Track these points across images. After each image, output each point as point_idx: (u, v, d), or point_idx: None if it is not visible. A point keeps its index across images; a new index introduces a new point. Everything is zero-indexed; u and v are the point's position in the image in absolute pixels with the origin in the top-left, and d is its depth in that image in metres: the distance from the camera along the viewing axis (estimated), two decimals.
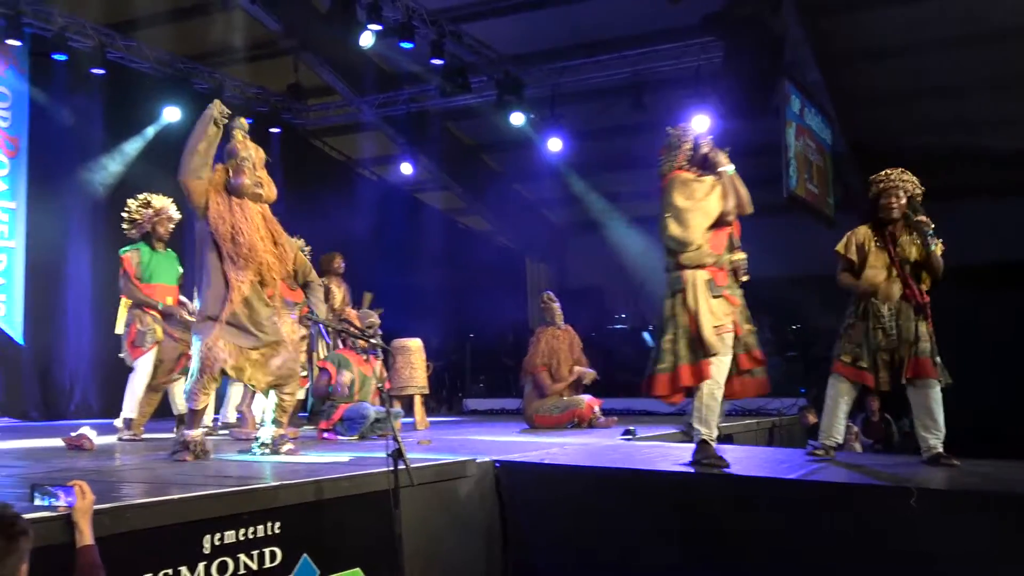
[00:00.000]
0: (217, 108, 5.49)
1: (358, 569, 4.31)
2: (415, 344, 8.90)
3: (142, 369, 7.13)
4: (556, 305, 9.16)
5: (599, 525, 5.09)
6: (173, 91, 11.30)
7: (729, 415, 9.43)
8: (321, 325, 6.63)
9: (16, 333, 10.20)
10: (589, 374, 8.93)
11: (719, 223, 5.11)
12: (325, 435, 7.36)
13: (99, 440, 6.47)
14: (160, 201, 7.28)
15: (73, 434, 6.36)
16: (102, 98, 10.79)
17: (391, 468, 4.05)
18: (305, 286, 6.05)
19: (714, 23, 9.91)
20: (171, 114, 11.20)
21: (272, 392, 5.70)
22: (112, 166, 10.99)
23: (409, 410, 8.72)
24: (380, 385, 7.66)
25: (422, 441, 6.93)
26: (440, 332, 13.59)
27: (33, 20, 10.16)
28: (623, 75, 11.67)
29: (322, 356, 8.32)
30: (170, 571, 3.51)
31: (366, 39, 10.41)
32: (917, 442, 5.30)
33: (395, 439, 4.06)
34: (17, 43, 9.97)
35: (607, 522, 5.06)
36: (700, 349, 4.99)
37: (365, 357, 7.69)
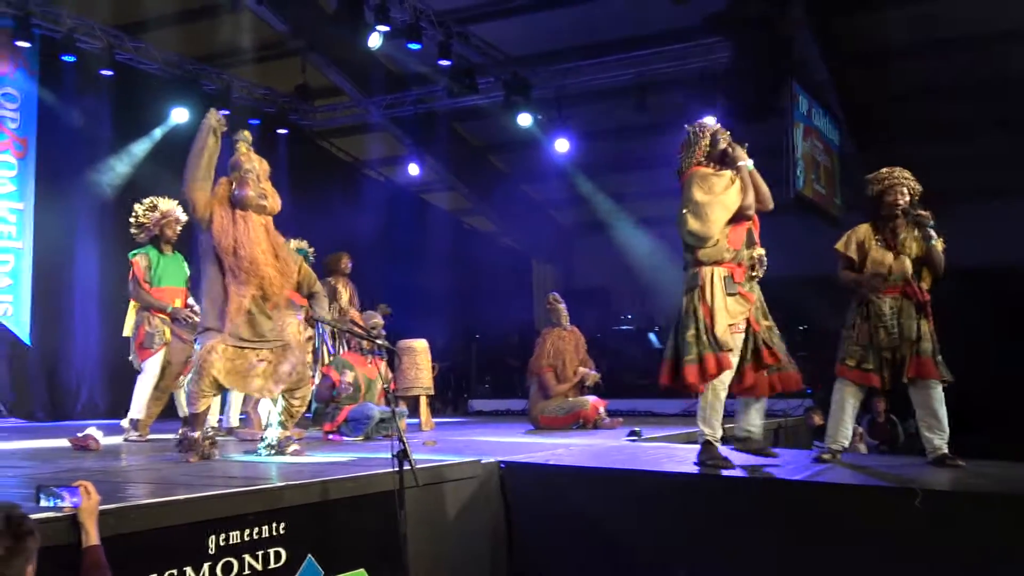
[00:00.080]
0: (214, 117, 5.50)
1: (362, 570, 4.31)
2: (421, 345, 8.91)
3: (150, 370, 7.16)
4: (562, 306, 9.16)
5: (604, 526, 5.08)
6: (181, 92, 11.33)
7: (733, 416, 9.42)
8: (323, 331, 6.66)
9: (23, 333, 10.24)
10: (592, 376, 8.92)
11: (738, 218, 5.10)
12: (330, 436, 7.38)
13: (105, 441, 6.49)
14: (167, 204, 7.31)
15: (79, 434, 6.38)
16: (110, 99, 10.82)
17: (396, 469, 4.06)
18: (310, 297, 6.05)
19: (721, 24, 9.91)
20: (179, 115, 11.23)
21: (281, 397, 5.70)
22: (120, 167, 11.03)
23: (414, 411, 8.72)
24: (386, 386, 7.66)
25: (427, 442, 6.93)
26: (446, 333, 13.61)
27: (42, 21, 10.20)
28: (629, 76, 11.66)
29: (326, 361, 8.33)
30: (175, 571, 3.52)
31: (374, 40, 10.43)
32: (922, 443, 5.28)
33: (400, 440, 4.07)
34: (26, 44, 10.01)
35: (612, 523, 5.05)
36: (718, 343, 4.98)
37: (368, 360, 7.69)
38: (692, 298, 5.05)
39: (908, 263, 5.28)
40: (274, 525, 3.92)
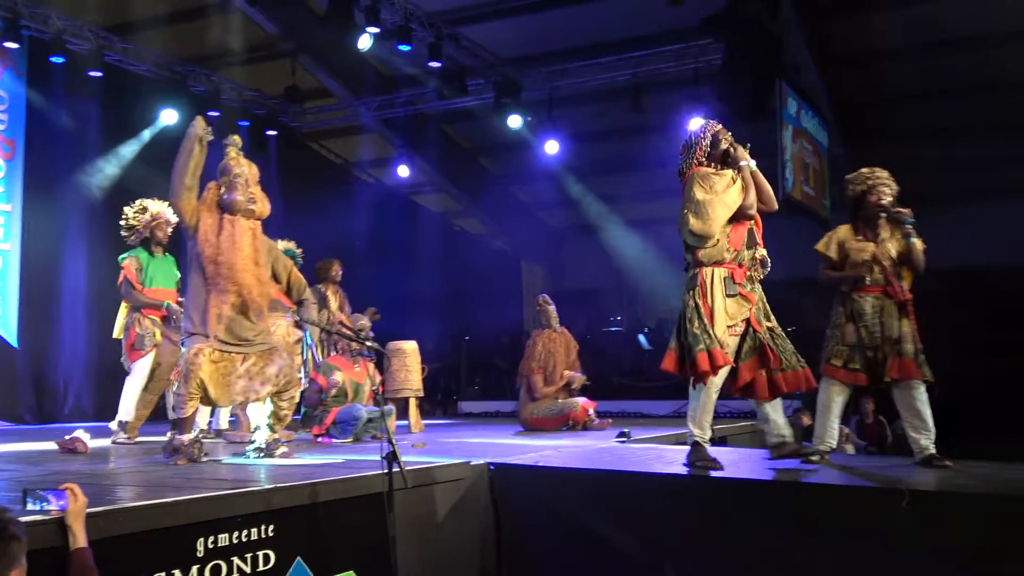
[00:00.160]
0: (200, 126, 5.49)
1: (352, 572, 4.31)
2: (410, 347, 8.90)
3: (139, 372, 7.15)
4: (552, 308, 9.16)
5: (593, 528, 5.08)
6: (170, 94, 11.31)
7: (723, 417, 9.45)
8: (311, 340, 6.66)
9: (10, 336, 10.20)
10: (579, 379, 8.92)
11: (739, 218, 5.07)
12: (319, 439, 7.36)
13: (93, 443, 6.47)
14: (157, 206, 7.30)
15: (67, 437, 6.36)
16: (99, 101, 10.79)
17: (385, 471, 4.06)
18: (299, 304, 6.04)
19: (713, 25, 9.94)
20: (168, 117, 11.22)
21: (269, 400, 5.70)
22: (109, 169, 11.00)
23: (404, 413, 8.71)
24: (376, 388, 7.65)
25: (417, 444, 6.92)
26: (436, 335, 13.60)
27: (31, 22, 10.17)
28: (620, 77, 11.68)
29: (312, 366, 8.32)
30: (163, 574, 3.51)
31: (364, 42, 10.43)
32: (909, 444, 5.30)
33: (390, 442, 4.07)
34: (15, 45, 9.98)
35: (601, 525, 5.05)
36: (718, 340, 4.97)
37: (355, 363, 7.68)
38: (693, 295, 5.03)
39: (891, 248, 5.31)
40: (263, 527, 3.91)
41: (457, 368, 14.46)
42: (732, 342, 5.08)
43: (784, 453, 5.24)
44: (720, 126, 5.32)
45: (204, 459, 5.46)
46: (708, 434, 5.19)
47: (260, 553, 3.88)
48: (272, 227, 5.98)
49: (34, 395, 10.30)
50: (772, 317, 5.17)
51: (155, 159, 10.48)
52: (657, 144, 11.92)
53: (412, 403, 8.77)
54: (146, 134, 11.34)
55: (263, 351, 5.57)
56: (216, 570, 3.69)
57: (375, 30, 10.17)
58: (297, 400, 6.07)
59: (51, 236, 10.49)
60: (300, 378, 7.92)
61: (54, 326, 10.48)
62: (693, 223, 5.03)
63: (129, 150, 11.24)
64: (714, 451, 5.23)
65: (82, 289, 10.52)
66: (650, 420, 10.37)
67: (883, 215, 5.39)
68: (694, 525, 4.78)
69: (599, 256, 15.03)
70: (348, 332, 6.72)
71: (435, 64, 11.13)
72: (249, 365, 5.52)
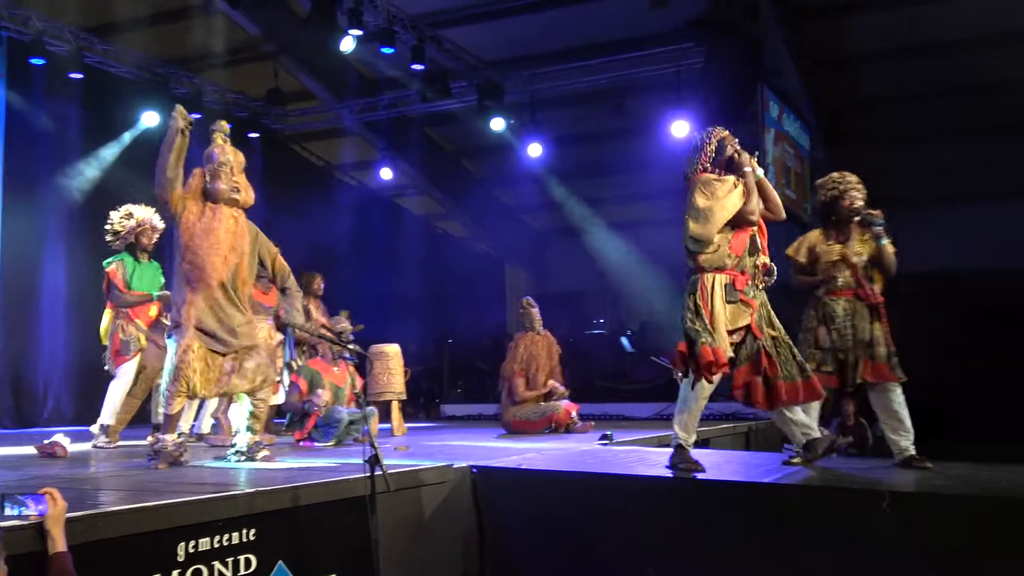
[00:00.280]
0: (181, 116, 5.48)
1: (334, 575, 4.30)
2: (393, 350, 8.89)
3: (123, 376, 7.13)
4: (535, 310, 9.17)
5: (576, 530, 5.09)
6: (152, 96, 11.25)
7: (705, 419, 9.47)
8: (289, 339, 6.63)
9: None
10: (560, 391, 8.92)
11: (741, 224, 5.03)
12: (301, 444, 7.34)
13: (73, 447, 6.43)
14: (143, 212, 7.30)
15: (46, 441, 6.32)
16: (80, 102, 10.71)
17: (368, 474, 4.05)
18: (283, 291, 6.04)
19: (694, 29, 9.98)
20: (150, 119, 11.16)
21: (246, 398, 5.69)
22: (89, 171, 10.93)
23: (386, 416, 8.70)
24: (357, 392, 7.64)
25: (399, 447, 6.91)
26: (418, 337, 13.58)
27: (10, 23, 10.09)
28: (603, 80, 11.72)
29: (294, 368, 8.29)
30: None
31: (346, 44, 10.41)
32: (889, 446, 5.34)
33: (372, 445, 4.06)
34: None
35: (584, 527, 5.06)
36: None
37: (335, 366, 7.66)
38: (693, 298, 4.99)
39: (861, 250, 5.36)
40: (244, 531, 3.90)
41: (440, 371, 14.44)
42: (729, 348, 5.01)
43: (818, 454, 5.00)
44: (727, 132, 5.28)
45: (186, 463, 5.43)
46: (693, 438, 5.19)
47: (242, 557, 3.87)
48: None
49: (13, 399, 10.22)
50: (777, 325, 5.08)
51: (136, 161, 10.42)
52: (640, 147, 12.00)
53: (395, 406, 8.76)
54: (127, 136, 11.28)
55: (243, 348, 5.56)
56: (197, 574, 3.68)
57: (358, 32, 10.15)
58: (270, 399, 6.05)
59: (31, 239, 10.40)
60: (279, 381, 7.90)
61: (33, 329, 10.40)
62: (692, 227, 4.99)
63: (110, 152, 11.18)
64: (696, 453, 5.25)
65: (62, 292, 10.45)
66: (633, 422, 10.39)
67: (855, 219, 5.44)
68: (677, 527, 4.79)
69: (582, 259, 15.05)
70: (330, 336, 6.69)
71: (418, 67, 11.12)
72: (230, 362, 5.53)
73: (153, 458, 5.36)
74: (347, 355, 7.43)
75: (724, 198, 5.00)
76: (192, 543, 3.68)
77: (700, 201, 5.01)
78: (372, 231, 14.14)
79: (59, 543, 3.15)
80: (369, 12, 10.28)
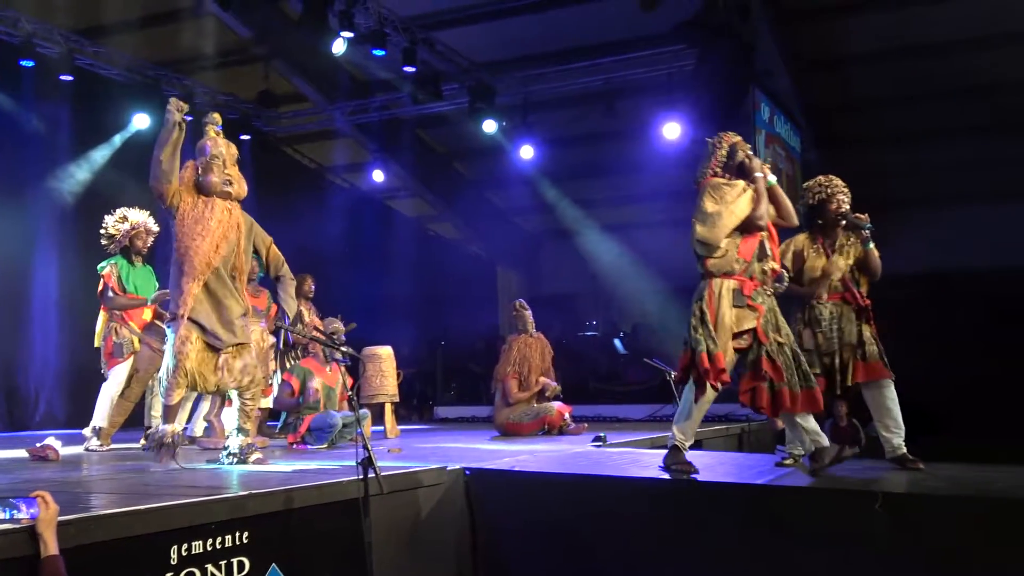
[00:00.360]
0: (176, 108, 5.50)
1: None
2: (386, 352, 8.88)
3: (115, 378, 7.15)
4: (528, 313, 9.17)
5: (570, 532, 5.09)
6: (143, 98, 11.20)
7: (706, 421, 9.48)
8: (278, 336, 6.64)
9: None
10: (552, 387, 8.93)
11: (750, 230, 5.02)
12: (295, 447, 7.33)
13: (65, 450, 6.41)
14: (137, 216, 7.33)
15: (38, 445, 6.30)
16: (70, 105, 10.66)
17: (361, 476, 4.05)
18: (277, 279, 6.07)
19: (686, 31, 9.99)
20: (140, 121, 11.12)
21: (236, 398, 5.71)
22: (80, 174, 10.89)
23: (379, 418, 8.69)
24: (351, 392, 7.63)
25: (392, 449, 6.91)
26: (411, 340, 13.58)
27: (0, 26, 10.05)
28: (595, 82, 11.72)
29: (287, 367, 8.29)
30: None
31: (338, 46, 10.39)
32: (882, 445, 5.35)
33: (365, 447, 4.05)
34: None
35: (578, 529, 5.06)
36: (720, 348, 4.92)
37: (328, 368, 7.66)
38: (701, 305, 4.98)
39: (841, 262, 5.37)
40: (237, 534, 3.89)
41: (433, 373, 14.44)
42: (734, 356, 4.99)
43: (824, 463, 4.92)
44: (738, 138, 5.28)
45: (182, 449, 5.46)
46: (690, 441, 5.17)
47: (235, 560, 3.86)
48: None
49: (4, 402, 10.18)
50: (785, 332, 5.04)
51: (127, 164, 10.41)
52: (632, 149, 12.01)
53: (388, 408, 8.75)
54: (117, 139, 11.23)
55: (236, 344, 5.58)
56: None
57: (349, 35, 10.14)
58: (259, 400, 6.07)
59: (21, 242, 10.35)
60: (271, 384, 7.90)
61: (25, 332, 10.35)
62: (699, 231, 4.98)
63: (101, 155, 11.13)
64: (689, 455, 5.25)
65: (53, 295, 10.41)
66: (626, 424, 10.41)
67: (842, 222, 5.45)
68: (670, 529, 4.79)
69: (575, 261, 15.06)
70: (323, 337, 6.69)
71: (409, 69, 11.11)
72: (221, 359, 5.55)
73: (157, 448, 5.38)
74: (339, 357, 7.43)
75: (733, 203, 4.98)
76: (185, 546, 3.67)
77: (709, 205, 5.00)
78: (364, 233, 14.13)
79: (51, 547, 3.14)
80: (360, 14, 10.27)
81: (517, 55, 11.82)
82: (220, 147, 5.69)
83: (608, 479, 5.37)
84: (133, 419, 7.59)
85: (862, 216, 5.43)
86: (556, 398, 9.03)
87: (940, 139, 12.07)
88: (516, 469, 5.65)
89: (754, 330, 4.95)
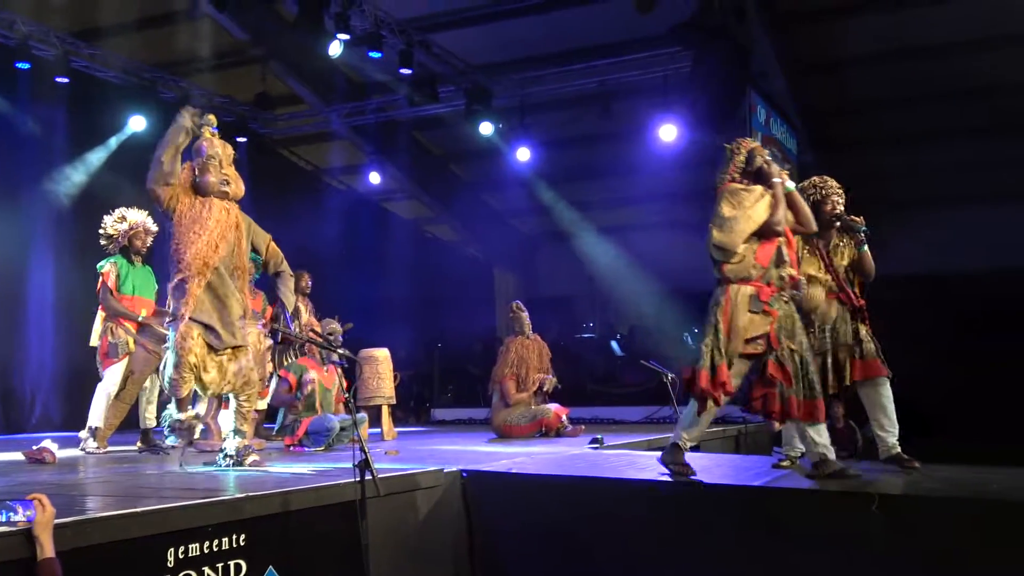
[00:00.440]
0: (190, 116, 5.53)
1: None
2: (382, 354, 8.88)
3: (109, 379, 7.14)
4: (525, 314, 9.18)
5: (567, 534, 5.09)
6: (139, 100, 11.19)
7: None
8: (287, 315, 6.63)
9: None
10: (550, 381, 8.94)
11: (768, 235, 4.99)
12: (292, 449, 7.33)
13: (61, 453, 6.40)
14: (136, 216, 7.35)
15: (34, 447, 6.30)
16: (66, 107, 10.65)
17: (358, 479, 4.04)
18: (277, 276, 6.09)
19: (682, 33, 9.98)
20: (137, 123, 11.10)
21: (232, 400, 5.71)
22: (76, 176, 10.87)
23: (376, 420, 8.68)
24: (348, 395, 7.63)
25: (389, 451, 6.91)
26: (408, 342, 13.56)
27: None
28: (591, 84, 11.72)
29: (284, 364, 8.30)
30: None
31: (334, 48, 10.38)
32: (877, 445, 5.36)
33: (362, 450, 4.05)
34: None
35: (575, 531, 5.06)
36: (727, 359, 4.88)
37: (325, 368, 7.66)
38: (716, 312, 4.96)
39: (836, 262, 5.39)
40: (234, 536, 3.88)
41: (430, 375, 14.43)
42: (745, 364, 4.94)
43: (825, 472, 4.90)
44: (757, 143, 5.28)
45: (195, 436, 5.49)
46: (690, 444, 5.14)
47: (232, 563, 3.86)
48: None
49: (0, 405, 10.16)
50: (799, 339, 4.97)
51: (123, 166, 10.39)
52: (628, 151, 12.02)
53: (385, 410, 8.75)
54: (113, 141, 11.22)
55: (235, 346, 5.60)
56: None
57: (345, 37, 10.12)
58: (255, 401, 6.07)
59: (17, 244, 10.34)
60: (268, 386, 7.90)
61: (20, 335, 10.34)
62: (716, 236, 4.95)
63: (97, 157, 11.11)
64: (688, 456, 5.25)
65: (49, 298, 10.39)
66: (623, 426, 10.41)
67: (836, 224, 5.46)
68: (667, 531, 4.79)
69: (572, 263, 15.06)
70: (319, 339, 6.69)
71: (406, 71, 11.10)
72: (219, 358, 5.57)
73: (173, 431, 5.47)
74: (336, 359, 7.43)
75: (751, 208, 4.96)
76: (182, 548, 3.67)
77: (726, 210, 4.97)
78: (360, 235, 14.12)
79: (47, 549, 3.14)
80: (356, 16, 10.26)
81: (513, 57, 11.82)
82: (216, 148, 5.71)
83: (605, 481, 5.38)
84: (129, 422, 7.58)
85: (857, 219, 5.45)
86: (554, 393, 9.05)
87: (937, 141, 12.09)
88: (513, 471, 5.65)
89: (767, 335, 4.91)
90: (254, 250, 5.93)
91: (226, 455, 5.63)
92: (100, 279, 7.26)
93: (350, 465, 4.08)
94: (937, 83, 11.15)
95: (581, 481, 5.43)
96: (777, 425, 8.96)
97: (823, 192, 5.50)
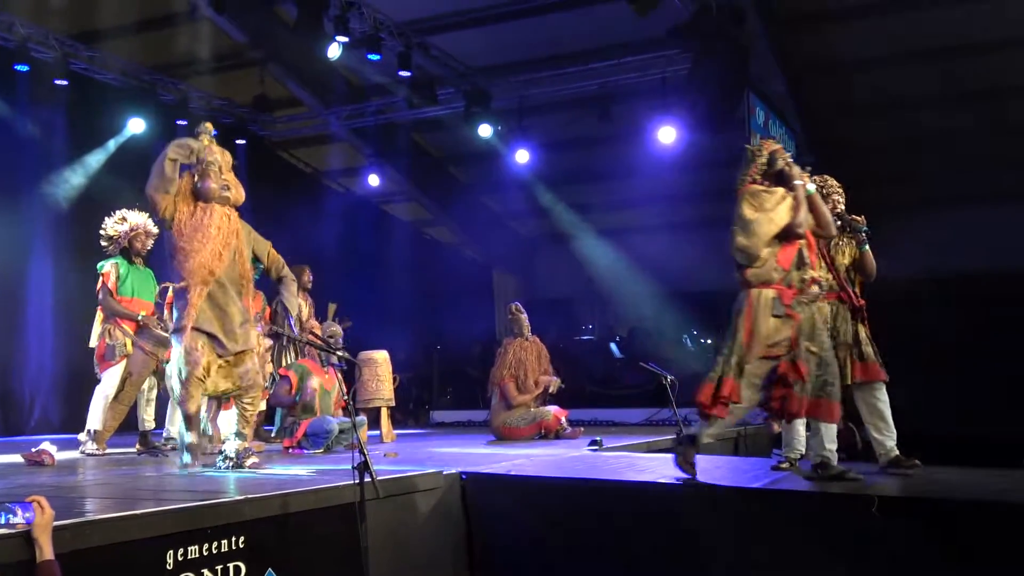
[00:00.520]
0: (203, 143, 5.58)
1: None
2: (382, 356, 8.88)
3: (107, 381, 7.15)
4: (524, 316, 9.18)
5: (566, 536, 5.09)
6: (138, 102, 11.19)
7: (695, 425, 9.48)
8: (291, 319, 6.65)
9: None
10: (554, 382, 8.95)
11: (789, 237, 4.96)
12: (291, 451, 7.33)
13: (60, 455, 6.40)
14: (136, 217, 7.36)
15: (33, 450, 6.30)
16: (65, 109, 10.63)
17: (357, 481, 4.04)
18: (279, 281, 6.09)
19: (680, 35, 9.99)
20: (136, 125, 11.10)
21: (235, 402, 5.72)
22: (75, 179, 10.86)
23: (376, 422, 8.68)
24: (347, 397, 7.63)
25: (388, 454, 6.91)
26: (407, 344, 13.56)
27: None
28: (591, 87, 11.72)
29: (284, 364, 8.31)
30: None
31: (333, 51, 10.39)
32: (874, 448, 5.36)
33: (361, 452, 4.05)
34: None
35: (574, 533, 5.07)
36: (742, 369, 4.84)
37: (325, 370, 7.66)
38: (738, 320, 4.91)
39: (837, 260, 5.41)
40: (233, 539, 3.88)
41: (429, 377, 14.43)
42: (766, 365, 4.89)
43: (826, 475, 4.94)
44: (779, 145, 5.23)
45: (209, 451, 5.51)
46: (707, 440, 5.07)
47: (231, 565, 3.85)
48: None
49: None
50: (820, 341, 4.93)
51: (122, 168, 10.39)
52: (627, 153, 12.02)
53: (384, 413, 8.75)
54: (112, 143, 11.21)
55: (239, 352, 5.61)
56: None
57: (344, 39, 10.13)
58: (259, 401, 6.09)
59: (16, 247, 10.33)
60: (267, 388, 7.90)
61: (20, 337, 10.33)
62: (740, 240, 4.91)
63: (96, 159, 11.09)
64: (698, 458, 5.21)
65: (48, 300, 10.38)
66: (622, 428, 10.41)
67: (837, 223, 5.46)
68: (666, 533, 4.79)
69: (571, 265, 15.07)
70: (319, 342, 6.69)
71: (405, 73, 11.11)
72: (223, 362, 5.59)
73: (183, 453, 5.50)
74: (336, 361, 7.43)
75: (772, 210, 4.93)
76: (181, 551, 3.67)
77: (748, 212, 4.94)
78: (360, 238, 14.11)
79: (47, 551, 3.14)
80: (355, 19, 10.27)
81: (512, 60, 11.83)
82: (215, 154, 5.71)
83: (604, 483, 5.38)
84: (128, 423, 7.58)
85: (858, 218, 5.45)
86: (558, 394, 9.06)
87: (936, 142, 12.09)
88: (512, 473, 5.66)
89: (789, 339, 4.86)
90: (255, 258, 5.92)
91: (226, 457, 5.63)
92: (100, 280, 7.26)
93: (349, 467, 4.08)
94: (936, 85, 11.16)
95: (580, 483, 5.43)
96: (776, 427, 8.99)
97: (823, 191, 5.50)
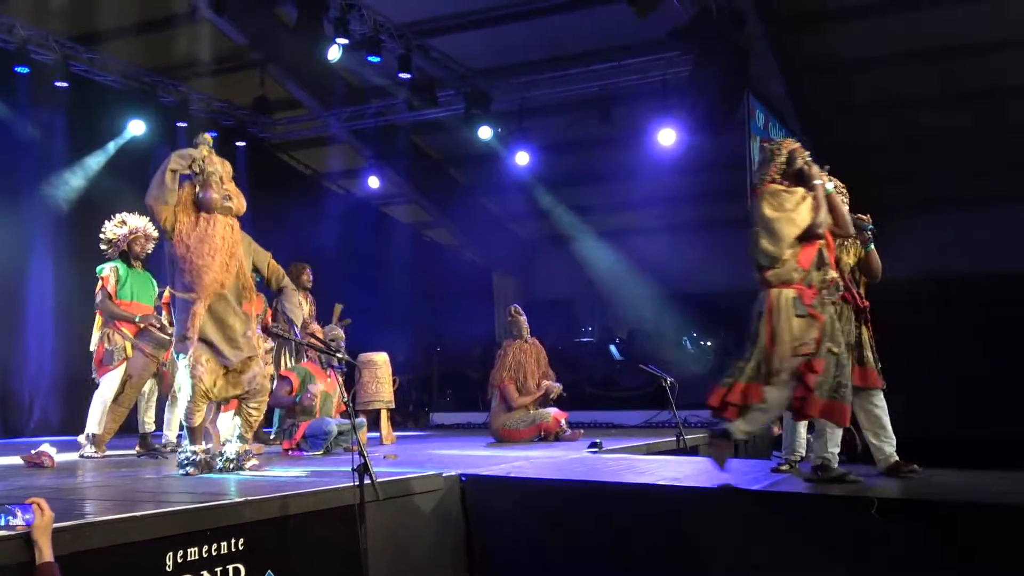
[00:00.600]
0: (206, 145, 5.56)
1: None
2: (381, 358, 8.88)
3: (106, 385, 7.14)
4: (523, 318, 9.18)
5: (566, 538, 5.09)
6: (138, 104, 11.20)
7: (695, 427, 9.49)
8: (275, 340, 6.67)
9: None
10: (556, 388, 8.95)
11: (809, 237, 4.94)
12: (290, 453, 7.32)
13: (60, 457, 6.40)
14: (135, 221, 7.36)
15: (33, 452, 6.30)
16: (65, 111, 10.63)
17: (357, 483, 4.04)
18: (280, 291, 6.09)
19: (681, 37, 10.00)
20: (136, 127, 11.10)
21: (241, 405, 5.72)
22: (75, 180, 10.86)
23: (375, 425, 8.68)
24: (346, 400, 7.63)
25: (388, 456, 6.91)
26: (407, 346, 13.56)
27: None
28: (591, 89, 11.72)
29: (286, 366, 8.30)
30: None
31: (333, 53, 10.40)
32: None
33: (361, 454, 4.05)
34: None
35: (574, 535, 5.06)
36: (767, 371, 4.81)
37: (327, 374, 7.66)
38: (758, 324, 4.89)
39: (842, 260, 5.38)
40: (233, 541, 3.88)
41: (429, 379, 14.42)
42: (795, 362, 4.83)
43: (826, 477, 4.92)
44: (797, 144, 5.21)
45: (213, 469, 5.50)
46: (741, 436, 5.02)
47: (230, 567, 3.85)
48: None
49: None
50: (839, 341, 4.90)
51: (122, 170, 10.40)
52: (627, 155, 12.03)
53: (383, 415, 8.75)
54: (112, 145, 11.21)
55: (244, 358, 5.61)
56: None
57: (344, 41, 10.13)
58: (265, 406, 6.08)
59: (16, 248, 10.32)
60: (269, 388, 7.90)
61: (19, 339, 10.32)
62: (764, 243, 4.90)
63: (96, 161, 11.10)
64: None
65: (48, 302, 10.38)
66: (622, 430, 10.41)
67: None
68: (665, 535, 4.79)
69: (570, 267, 15.07)
70: (319, 344, 6.69)
71: (405, 75, 11.12)
72: (235, 370, 5.60)
73: (184, 465, 5.46)
74: (336, 364, 7.42)
75: (793, 210, 4.91)
76: (180, 553, 3.67)
77: (768, 212, 4.92)
78: (360, 240, 14.11)
79: (46, 553, 3.14)
80: (355, 21, 10.27)
81: (513, 62, 11.83)
82: (216, 164, 5.69)
83: (604, 485, 5.38)
84: (128, 426, 7.58)
85: (863, 216, 5.43)
86: (558, 399, 9.05)
87: (936, 143, 12.10)
88: (512, 475, 5.65)
89: (815, 339, 4.82)
90: (255, 269, 5.91)
91: (226, 459, 5.63)
92: (99, 283, 7.25)
93: (349, 469, 4.08)
94: (936, 86, 11.17)
95: (580, 485, 5.43)
96: (776, 430, 8.98)
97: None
